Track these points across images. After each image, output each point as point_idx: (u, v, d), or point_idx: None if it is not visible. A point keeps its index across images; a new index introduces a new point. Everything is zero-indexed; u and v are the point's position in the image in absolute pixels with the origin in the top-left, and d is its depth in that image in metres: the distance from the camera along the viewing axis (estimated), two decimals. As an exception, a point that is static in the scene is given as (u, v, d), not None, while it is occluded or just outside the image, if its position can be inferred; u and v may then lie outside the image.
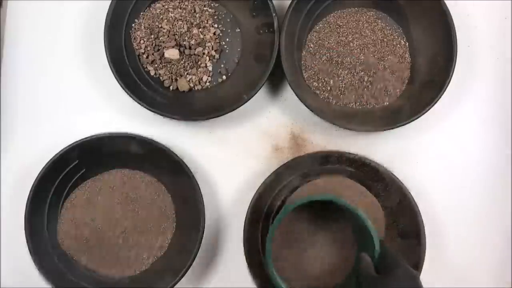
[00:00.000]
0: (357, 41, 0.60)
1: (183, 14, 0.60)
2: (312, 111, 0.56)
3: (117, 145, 0.58)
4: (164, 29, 0.60)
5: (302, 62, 0.60)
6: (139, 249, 0.57)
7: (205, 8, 0.61)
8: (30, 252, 0.54)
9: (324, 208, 0.54)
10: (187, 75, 0.60)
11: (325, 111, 0.58)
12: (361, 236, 0.52)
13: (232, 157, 0.61)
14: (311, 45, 0.60)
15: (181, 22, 0.60)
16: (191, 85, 0.60)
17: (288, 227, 0.55)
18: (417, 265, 0.55)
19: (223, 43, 0.62)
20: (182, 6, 0.61)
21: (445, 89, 0.57)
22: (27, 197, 0.55)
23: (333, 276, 0.54)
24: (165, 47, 0.59)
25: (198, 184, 0.56)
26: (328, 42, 0.60)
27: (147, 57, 0.60)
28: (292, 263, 0.54)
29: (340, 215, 0.54)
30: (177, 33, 0.60)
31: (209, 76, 0.61)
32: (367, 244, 0.49)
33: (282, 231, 0.55)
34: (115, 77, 0.57)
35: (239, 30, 0.62)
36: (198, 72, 0.60)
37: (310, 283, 0.54)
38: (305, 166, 0.58)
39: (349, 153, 0.57)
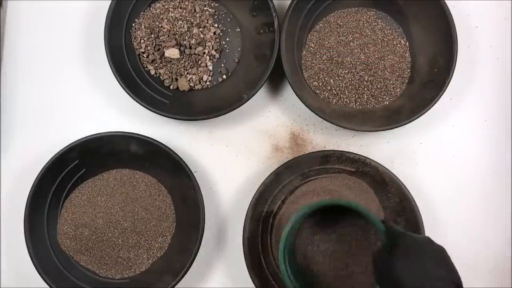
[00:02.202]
0: (357, 41, 0.60)
1: (183, 13, 0.60)
2: (312, 111, 0.56)
3: (117, 145, 0.58)
4: (164, 28, 0.60)
5: (302, 61, 0.60)
6: (139, 249, 0.57)
7: (205, 8, 0.61)
8: (30, 252, 0.54)
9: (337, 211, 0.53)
10: (187, 75, 0.60)
11: (325, 111, 0.58)
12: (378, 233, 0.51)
13: (232, 157, 0.61)
14: (311, 44, 0.60)
15: (181, 22, 0.60)
16: (191, 84, 0.60)
17: (300, 232, 0.54)
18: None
19: (223, 42, 0.62)
20: (182, 5, 0.61)
21: (445, 89, 0.57)
22: (27, 197, 0.55)
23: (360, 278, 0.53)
24: (165, 46, 0.59)
25: (198, 184, 0.56)
26: (328, 42, 0.60)
27: (147, 57, 0.60)
28: (310, 267, 0.53)
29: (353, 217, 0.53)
30: (177, 32, 0.60)
31: (209, 75, 0.61)
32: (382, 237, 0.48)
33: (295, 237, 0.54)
34: (115, 77, 0.57)
35: (239, 29, 0.62)
36: (198, 72, 0.60)
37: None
38: (305, 166, 0.58)
39: (349, 152, 0.57)
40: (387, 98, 0.60)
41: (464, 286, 0.59)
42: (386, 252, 0.43)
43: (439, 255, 0.41)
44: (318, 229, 0.52)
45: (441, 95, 0.56)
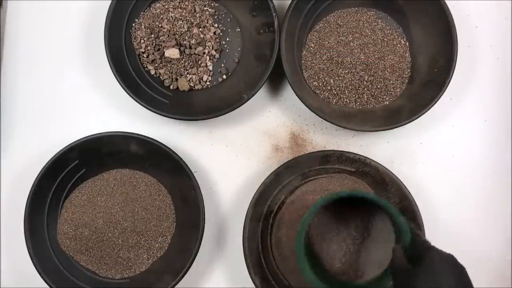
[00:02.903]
0: (357, 41, 0.60)
1: (183, 13, 0.60)
2: (312, 111, 0.56)
3: (117, 145, 0.58)
4: (164, 28, 0.60)
5: (302, 61, 0.60)
6: (139, 249, 0.57)
7: (205, 8, 0.61)
8: (30, 252, 0.54)
9: (353, 205, 0.53)
10: (187, 75, 0.60)
11: (325, 111, 0.58)
12: (396, 230, 0.51)
13: (232, 157, 0.61)
14: (311, 44, 0.60)
15: (181, 22, 0.60)
16: (191, 84, 0.60)
17: (315, 224, 0.53)
18: (417, 265, 0.55)
19: (223, 42, 0.62)
20: (182, 5, 0.61)
21: (445, 89, 0.57)
22: (27, 197, 0.55)
23: (368, 271, 0.53)
24: (165, 46, 0.59)
25: (198, 184, 0.56)
26: (328, 42, 0.60)
27: (147, 57, 0.60)
28: (324, 259, 0.53)
29: (373, 212, 0.53)
30: (177, 32, 0.60)
31: (209, 75, 0.61)
32: (400, 237, 0.48)
33: (312, 227, 0.53)
34: (115, 77, 0.57)
35: (239, 29, 0.62)
36: (198, 72, 0.60)
37: (342, 277, 0.52)
38: (305, 166, 0.58)
39: (349, 152, 0.57)
40: (387, 98, 0.60)
41: (464, 286, 0.59)
42: (408, 260, 0.43)
43: (461, 276, 0.41)
44: (333, 221, 0.52)
45: (441, 95, 0.56)
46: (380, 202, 0.47)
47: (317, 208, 0.47)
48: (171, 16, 0.60)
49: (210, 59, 0.61)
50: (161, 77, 0.61)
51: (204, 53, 0.60)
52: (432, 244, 0.44)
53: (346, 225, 0.52)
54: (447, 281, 0.40)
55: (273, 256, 0.57)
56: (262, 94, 0.62)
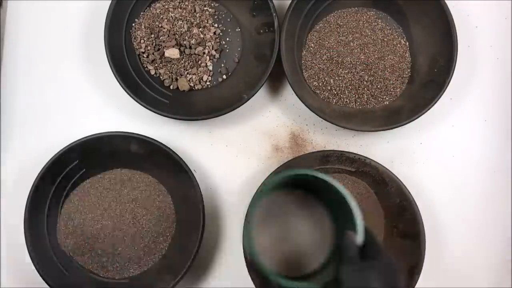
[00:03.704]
0: (357, 41, 0.60)
1: (183, 13, 0.60)
2: (312, 111, 0.56)
3: (117, 145, 0.58)
4: (164, 28, 0.60)
5: (302, 61, 0.60)
6: (139, 249, 0.57)
7: (205, 8, 0.61)
8: (30, 252, 0.54)
9: (303, 187, 0.51)
10: (187, 75, 0.60)
11: (325, 111, 0.58)
12: (341, 214, 0.47)
13: (232, 157, 0.61)
14: (311, 44, 0.60)
15: (181, 22, 0.60)
16: (191, 84, 0.60)
17: (264, 208, 0.51)
18: (417, 265, 0.55)
19: (223, 42, 0.62)
20: (182, 5, 0.61)
21: (445, 89, 0.57)
22: (27, 197, 0.55)
23: (312, 258, 0.52)
24: (165, 46, 0.59)
25: (198, 184, 0.56)
26: (328, 42, 0.60)
27: (147, 57, 0.60)
28: (271, 245, 0.52)
29: (320, 195, 0.51)
30: (177, 32, 0.60)
31: (209, 75, 0.61)
32: (347, 224, 0.45)
33: (260, 212, 0.51)
34: (115, 77, 0.57)
35: (239, 29, 0.62)
36: (198, 72, 0.60)
37: (289, 265, 0.52)
38: (305, 166, 0.58)
39: (349, 152, 0.57)
40: (387, 98, 0.60)
41: (464, 286, 0.59)
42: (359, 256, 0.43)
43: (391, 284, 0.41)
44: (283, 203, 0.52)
45: (441, 95, 0.56)
46: (337, 186, 0.44)
47: (261, 194, 0.47)
48: (171, 16, 0.60)
49: (210, 59, 0.61)
50: (161, 77, 0.61)
51: (204, 53, 0.60)
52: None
53: (290, 213, 0.51)
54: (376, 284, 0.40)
55: (273, 256, 0.57)
56: (262, 94, 0.62)
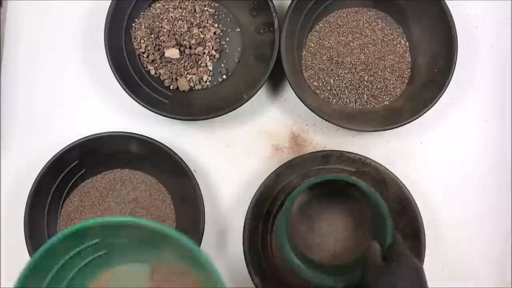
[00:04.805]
0: (357, 41, 0.60)
1: (183, 13, 0.60)
2: (312, 111, 0.56)
3: (117, 145, 0.58)
4: (164, 28, 0.60)
5: (302, 61, 0.60)
6: (139, 249, 0.57)
7: (205, 8, 0.61)
8: (30, 252, 0.54)
9: (340, 191, 0.55)
10: (187, 75, 0.60)
11: (325, 111, 0.58)
12: (376, 221, 0.52)
13: (232, 157, 0.61)
14: (311, 44, 0.60)
15: (181, 22, 0.60)
16: (191, 84, 0.60)
17: (302, 206, 0.56)
18: (417, 265, 0.55)
19: (223, 42, 0.62)
20: (182, 6, 0.61)
21: (445, 89, 0.57)
22: (27, 197, 0.55)
23: (345, 256, 0.55)
24: (165, 46, 0.59)
25: (198, 184, 0.56)
26: (328, 42, 0.60)
27: (147, 57, 0.60)
28: (305, 240, 0.56)
29: (357, 199, 0.55)
30: (177, 32, 0.60)
31: (209, 75, 0.61)
32: (380, 230, 0.49)
33: (296, 209, 0.56)
34: (115, 77, 0.57)
35: (239, 29, 0.62)
36: (199, 72, 0.60)
37: (322, 260, 0.55)
38: (305, 166, 0.58)
39: (349, 152, 0.57)
40: (387, 98, 0.60)
41: (464, 286, 0.59)
42: (384, 260, 0.45)
43: (420, 283, 0.43)
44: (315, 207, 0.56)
45: (441, 95, 0.56)
46: (374, 197, 0.49)
47: (300, 191, 0.51)
48: (171, 16, 0.60)
49: (210, 59, 0.61)
50: (161, 77, 0.61)
51: (204, 53, 0.60)
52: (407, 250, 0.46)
53: (327, 211, 0.56)
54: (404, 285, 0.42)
55: (273, 256, 0.57)
56: (262, 94, 0.62)
